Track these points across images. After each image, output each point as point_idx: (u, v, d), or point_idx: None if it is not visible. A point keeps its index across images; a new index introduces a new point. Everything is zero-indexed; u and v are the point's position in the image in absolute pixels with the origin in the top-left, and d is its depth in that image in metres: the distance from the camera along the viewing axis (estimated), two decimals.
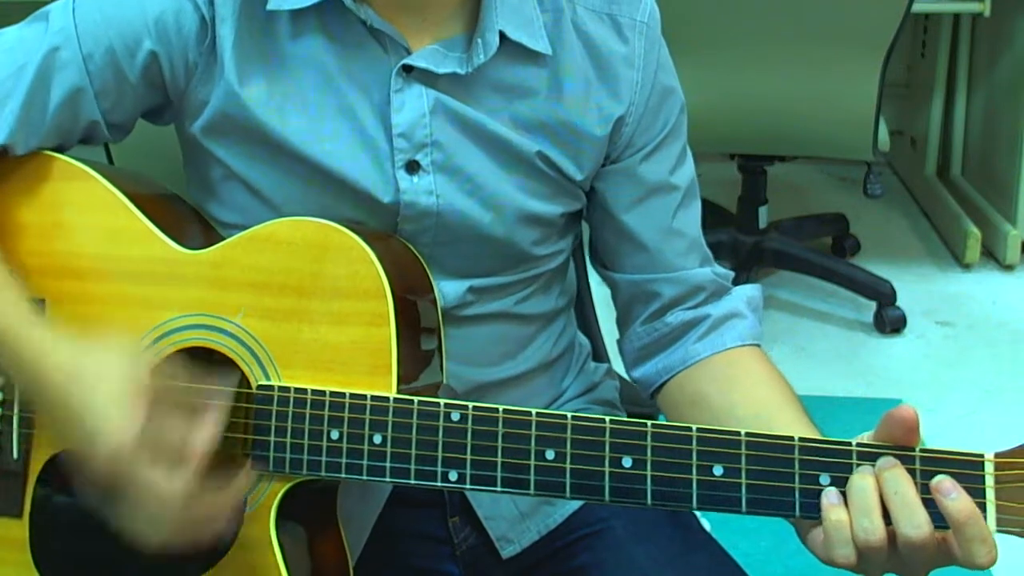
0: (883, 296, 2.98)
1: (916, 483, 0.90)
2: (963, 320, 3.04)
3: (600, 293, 1.51)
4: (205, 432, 0.96)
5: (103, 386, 0.95)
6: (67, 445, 1.00)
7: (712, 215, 3.17)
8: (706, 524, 1.27)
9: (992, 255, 3.30)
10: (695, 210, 1.21)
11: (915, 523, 0.88)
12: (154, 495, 0.94)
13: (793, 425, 1.04)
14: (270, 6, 1.08)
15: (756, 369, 1.16)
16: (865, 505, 0.90)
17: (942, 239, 3.43)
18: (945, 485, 0.89)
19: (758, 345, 1.19)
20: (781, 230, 3.16)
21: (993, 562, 0.88)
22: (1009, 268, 3.26)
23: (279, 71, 1.09)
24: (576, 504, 1.22)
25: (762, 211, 3.06)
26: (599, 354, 1.45)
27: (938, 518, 0.89)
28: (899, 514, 0.89)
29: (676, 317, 1.19)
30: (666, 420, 1.20)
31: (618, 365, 1.40)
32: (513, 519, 1.21)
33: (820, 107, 2.71)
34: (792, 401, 1.11)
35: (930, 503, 0.89)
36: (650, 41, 1.16)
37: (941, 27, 3.47)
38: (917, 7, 2.60)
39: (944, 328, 3.01)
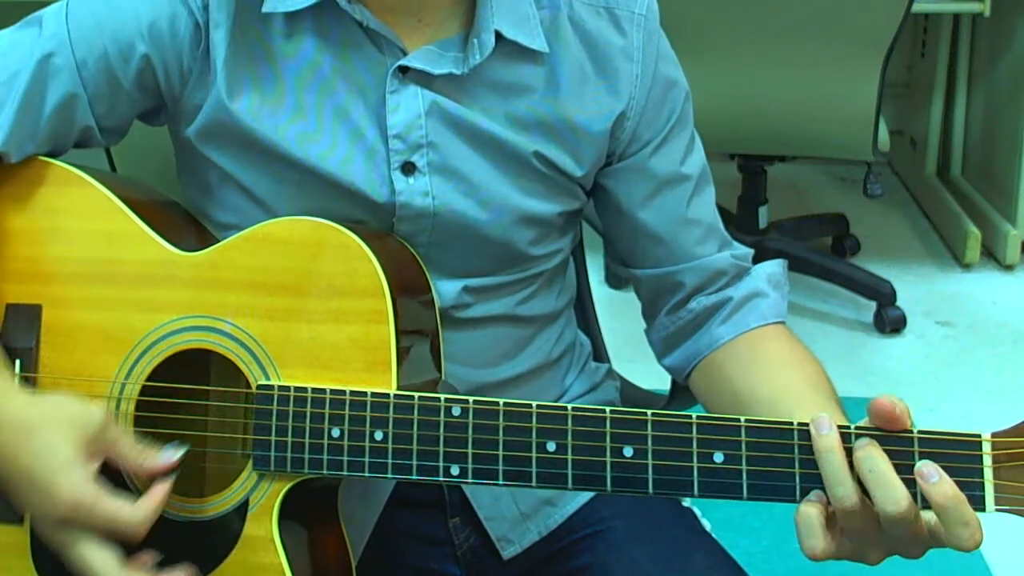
0: (883, 296, 2.98)
1: (915, 464, 0.90)
2: (963, 320, 3.03)
3: (600, 293, 1.51)
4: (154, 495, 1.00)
5: (52, 445, 0.98)
6: (16, 499, 1.01)
7: None
8: (707, 524, 1.27)
9: (992, 255, 3.29)
10: (708, 196, 1.21)
11: (892, 498, 0.88)
12: (118, 530, 0.98)
13: (810, 406, 1.03)
14: (265, 8, 1.07)
15: (778, 348, 1.16)
16: (836, 476, 0.90)
17: (942, 239, 3.43)
18: (927, 470, 0.89)
19: (783, 322, 1.19)
20: (781, 230, 3.15)
21: (978, 544, 0.88)
22: (1009, 268, 3.25)
23: (273, 74, 1.09)
24: (577, 504, 1.23)
25: (762, 211, 3.06)
26: (599, 354, 1.45)
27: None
28: (876, 491, 0.89)
29: (699, 303, 1.19)
30: (701, 406, 1.20)
31: (618, 365, 1.40)
32: (514, 520, 1.20)
33: (820, 107, 2.71)
34: (814, 379, 1.11)
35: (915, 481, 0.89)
36: (649, 33, 1.15)
37: (941, 27, 3.47)
38: (917, 7, 2.60)
39: (944, 328, 3.01)
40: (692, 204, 1.19)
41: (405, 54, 1.09)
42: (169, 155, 1.20)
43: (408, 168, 1.10)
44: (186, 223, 1.15)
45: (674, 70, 1.19)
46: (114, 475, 1.02)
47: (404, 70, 1.09)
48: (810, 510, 0.91)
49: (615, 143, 1.16)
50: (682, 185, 1.19)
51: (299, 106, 1.09)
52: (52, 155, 1.11)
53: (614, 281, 2.86)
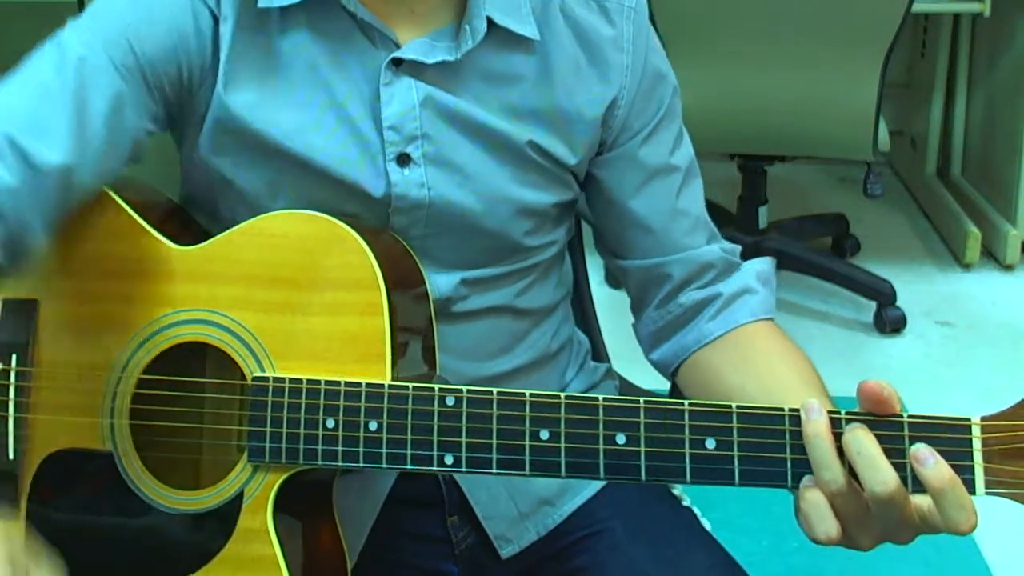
0: (883, 296, 2.98)
1: (905, 449, 0.90)
2: (963, 320, 3.04)
3: (600, 293, 1.50)
4: None
5: None
6: None
7: (712, 215, 3.16)
8: (706, 524, 1.27)
9: (992, 255, 3.30)
10: (697, 188, 1.22)
11: (880, 479, 0.88)
12: None
13: (802, 398, 1.04)
14: (261, 3, 1.07)
15: (769, 345, 1.16)
16: (824, 460, 0.90)
17: (942, 239, 3.43)
18: (922, 453, 0.89)
19: (771, 319, 1.19)
20: (781, 230, 3.16)
21: (974, 528, 0.88)
22: (1009, 268, 3.26)
23: (269, 69, 1.09)
24: (575, 504, 1.23)
25: (762, 211, 3.07)
26: (599, 354, 1.45)
27: (918, 482, 0.89)
28: (865, 473, 0.89)
29: (688, 298, 1.19)
30: (685, 397, 1.20)
31: (617, 365, 1.39)
32: (512, 519, 1.20)
33: (820, 107, 2.71)
34: (804, 375, 1.11)
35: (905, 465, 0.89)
36: (638, 26, 1.16)
37: (941, 27, 3.48)
38: (917, 7, 2.61)
39: (944, 328, 3.01)
40: (681, 195, 1.19)
41: (398, 47, 1.09)
42: (165, 154, 1.19)
43: (403, 159, 1.10)
44: (182, 218, 1.15)
45: (663, 63, 1.20)
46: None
47: (397, 63, 1.09)
48: (816, 496, 0.91)
49: (606, 132, 1.17)
50: (671, 176, 1.19)
51: (295, 100, 1.09)
52: (113, 174, 1.06)
53: (614, 281, 2.86)
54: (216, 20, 1.08)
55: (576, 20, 1.14)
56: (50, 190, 1.00)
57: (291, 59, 1.09)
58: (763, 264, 1.22)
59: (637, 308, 1.25)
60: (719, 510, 1.32)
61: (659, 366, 1.24)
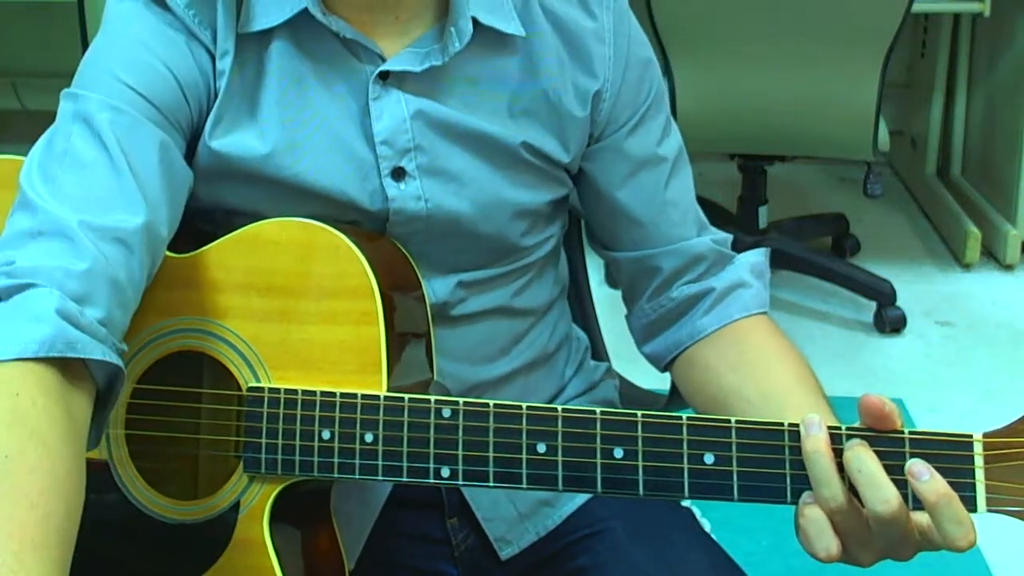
0: (883, 296, 2.98)
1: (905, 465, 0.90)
2: (963, 320, 3.03)
3: (600, 293, 1.50)
4: None
5: None
6: None
7: (712, 215, 3.16)
8: (706, 524, 1.26)
9: (992, 255, 3.29)
10: (686, 178, 1.21)
11: (882, 498, 0.88)
12: None
13: (802, 405, 1.04)
14: (241, 29, 1.07)
15: (764, 342, 1.16)
16: (823, 477, 0.90)
17: (942, 239, 3.43)
18: (917, 468, 0.88)
19: (765, 312, 1.19)
20: (781, 230, 3.16)
21: (972, 544, 0.88)
22: (1009, 268, 3.26)
23: (257, 95, 1.08)
24: (575, 505, 1.22)
25: (762, 211, 3.06)
26: (599, 353, 1.44)
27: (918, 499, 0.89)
28: (866, 491, 0.89)
29: (681, 292, 1.19)
30: (680, 393, 1.21)
31: (617, 365, 1.39)
32: (512, 520, 1.20)
33: (820, 107, 2.71)
34: (801, 376, 1.11)
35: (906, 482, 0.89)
36: (619, 15, 1.16)
37: (941, 27, 3.47)
38: (917, 7, 2.61)
39: (944, 328, 3.00)
40: (670, 185, 1.19)
41: (383, 60, 1.08)
42: None
43: (398, 174, 1.10)
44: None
45: (648, 52, 1.19)
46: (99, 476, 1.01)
47: (384, 76, 1.08)
48: (816, 513, 0.91)
49: (593, 125, 1.16)
50: (659, 166, 1.19)
51: (284, 124, 1.08)
52: (179, 216, 1.06)
53: (614, 281, 2.85)
54: (213, 58, 1.07)
55: (556, 15, 1.13)
56: (142, 254, 0.99)
57: (278, 83, 1.08)
58: (757, 256, 1.21)
59: (629, 300, 1.24)
60: (719, 510, 1.31)
61: (651, 359, 1.24)
